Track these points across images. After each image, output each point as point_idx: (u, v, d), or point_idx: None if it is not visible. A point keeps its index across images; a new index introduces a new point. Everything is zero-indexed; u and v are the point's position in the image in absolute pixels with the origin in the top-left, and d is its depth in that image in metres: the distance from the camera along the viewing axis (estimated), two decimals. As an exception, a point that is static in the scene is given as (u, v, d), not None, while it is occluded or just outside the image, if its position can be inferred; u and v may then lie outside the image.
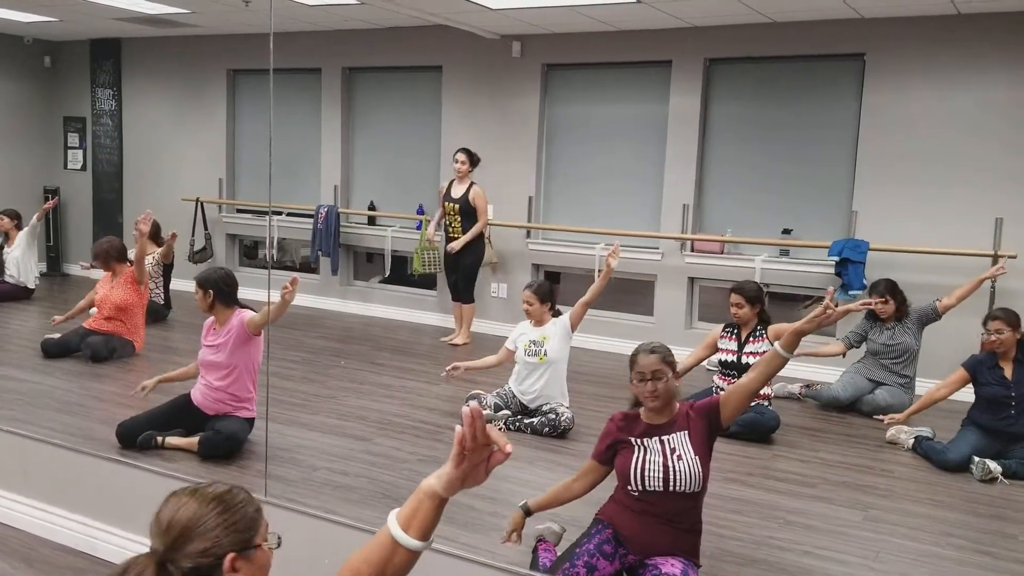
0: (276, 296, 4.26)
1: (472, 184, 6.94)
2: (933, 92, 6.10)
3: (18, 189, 9.69)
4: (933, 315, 5.48)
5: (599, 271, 6.99)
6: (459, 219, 6.94)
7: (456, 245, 6.93)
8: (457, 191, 6.95)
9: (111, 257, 6.43)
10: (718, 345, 5.13)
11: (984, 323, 4.73)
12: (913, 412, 5.09)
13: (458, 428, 1.36)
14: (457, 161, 6.93)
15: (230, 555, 1.55)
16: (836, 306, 3.03)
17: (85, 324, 6.36)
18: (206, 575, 1.54)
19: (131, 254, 6.55)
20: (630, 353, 3.17)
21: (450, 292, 7.29)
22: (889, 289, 5.50)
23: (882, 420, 5.22)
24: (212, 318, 4.55)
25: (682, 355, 3.51)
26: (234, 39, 8.82)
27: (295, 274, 4.24)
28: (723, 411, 3.04)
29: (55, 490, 3.94)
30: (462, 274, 7.06)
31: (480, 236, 7.04)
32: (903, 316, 5.51)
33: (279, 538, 1.68)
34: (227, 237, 9.27)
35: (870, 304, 5.27)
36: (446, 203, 6.99)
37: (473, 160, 6.96)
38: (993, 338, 4.59)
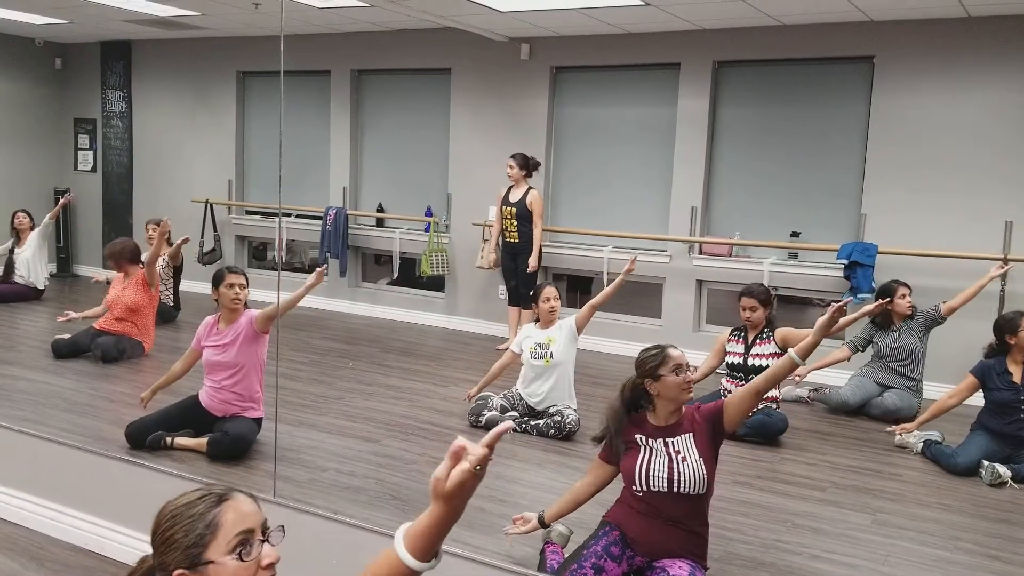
0: (286, 296, 4.29)
1: (530, 189, 6.92)
2: (942, 95, 6.08)
3: (28, 190, 9.75)
4: (937, 317, 5.49)
5: (607, 273, 7.02)
6: (515, 223, 6.92)
7: (532, 262, 6.85)
8: (514, 196, 6.93)
9: (123, 258, 6.45)
10: (726, 348, 5.13)
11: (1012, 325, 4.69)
12: (924, 421, 5.03)
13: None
14: (507, 166, 6.92)
15: (177, 572, 1.53)
16: (844, 314, 3.06)
17: (95, 325, 6.38)
18: None
19: (144, 256, 6.59)
20: (643, 355, 3.14)
21: (508, 297, 7.23)
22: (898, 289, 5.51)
23: (892, 430, 5.18)
24: (213, 318, 4.57)
25: (689, 358, 3.49)
26: (243, 41, 8.85)
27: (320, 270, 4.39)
28: (728, 412, 3.04)
29: (65, 490, 3.96)
30: (525, 280, 6.95)
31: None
32: (907, 318, 5.51)
33: (283, 529, 1.64)
34: (236, 239, 9.30)
35: (880, 308, 5.25)
36: (503, 207, 6.97)
37: (524, 164, 6.89)
38: None
